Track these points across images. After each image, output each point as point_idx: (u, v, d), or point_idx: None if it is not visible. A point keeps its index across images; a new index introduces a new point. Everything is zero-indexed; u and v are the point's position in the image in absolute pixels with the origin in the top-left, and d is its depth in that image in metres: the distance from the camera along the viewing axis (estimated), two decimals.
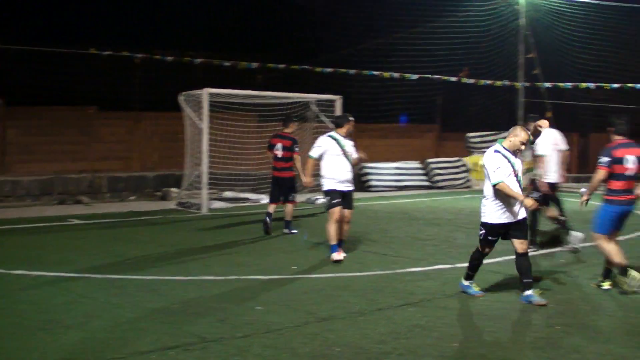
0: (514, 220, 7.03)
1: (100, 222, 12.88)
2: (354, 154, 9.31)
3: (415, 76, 22.22)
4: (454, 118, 28.60)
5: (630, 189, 7.40)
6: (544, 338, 5.83)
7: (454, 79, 23.59)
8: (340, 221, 9.14)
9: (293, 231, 11.42)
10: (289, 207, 11.49)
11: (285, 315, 6.38)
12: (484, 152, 22.87)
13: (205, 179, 14.48)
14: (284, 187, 11.48)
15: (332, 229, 9.09)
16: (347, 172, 9.21)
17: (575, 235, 9.76)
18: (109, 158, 18.78)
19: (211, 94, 14.60)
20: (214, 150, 15.31)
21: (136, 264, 8.86)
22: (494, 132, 22.57)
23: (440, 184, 20.61)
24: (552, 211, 10.09)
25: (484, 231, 7.15)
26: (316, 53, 24.33)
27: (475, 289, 7.37)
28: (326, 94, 16.55)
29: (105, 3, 24.05)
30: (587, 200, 7.53)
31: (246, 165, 16.52)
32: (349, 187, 9.27)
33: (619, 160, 7.34)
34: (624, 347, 5.58)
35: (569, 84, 24.13)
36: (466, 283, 7.41)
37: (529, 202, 6.94)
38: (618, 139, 7.48)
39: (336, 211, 9.06)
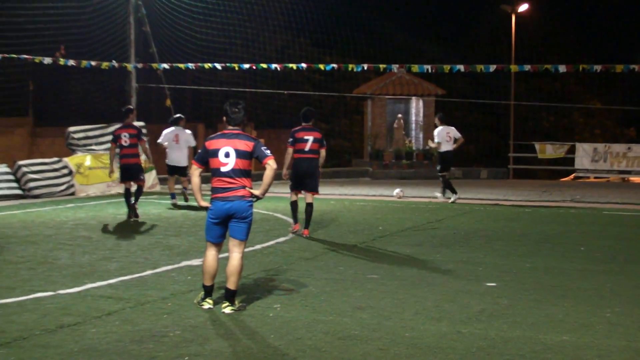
0: None
1: None
2: None
3: None
4: (51, 109, 27.73)
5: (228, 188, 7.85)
6: None
7: (48, 59, 22.86)
8: None
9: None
10: None
11: None
12: (91, 150, 22.85)
13: None
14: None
15: None
16: None
17: None
18: None
19: None
20: None
21: None
22: (102, 125, 22.28)
23: (35, 192, 19.76)
24: None
25: None
26: None
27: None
28: None
29: None
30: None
31: None
32: None
33: (214, 153, 7.81)
34: None
35: (190, 65, 24.99)
36: None
37: None
38: (231, 129, 7.95)
39: None
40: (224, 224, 7.85)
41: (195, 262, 10.16)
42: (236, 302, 7.78)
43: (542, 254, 11.40)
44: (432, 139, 19.51)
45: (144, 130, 22.99)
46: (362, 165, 31.97)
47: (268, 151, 7.91)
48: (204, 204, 8.01)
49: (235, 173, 7.76)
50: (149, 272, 9.77)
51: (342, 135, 39.51)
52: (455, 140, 19.00)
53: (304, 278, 9.36)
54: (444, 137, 18.84)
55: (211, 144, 7.89)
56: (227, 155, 7.77)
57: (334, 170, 30.69)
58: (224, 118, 8.06)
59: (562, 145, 30.54)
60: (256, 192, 7.84)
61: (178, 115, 18.67)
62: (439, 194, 19.52)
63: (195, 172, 8.03)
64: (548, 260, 10.90)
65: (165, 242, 12.26)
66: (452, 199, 18.86)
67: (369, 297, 8.35)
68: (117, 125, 16.07)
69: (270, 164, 7.82)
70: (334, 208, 17.77)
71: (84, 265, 10.17)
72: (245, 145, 7.81)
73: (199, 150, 8.12)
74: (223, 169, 7.77)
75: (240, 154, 7.77)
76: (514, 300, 8.29)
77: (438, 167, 19.39)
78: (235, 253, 7.82)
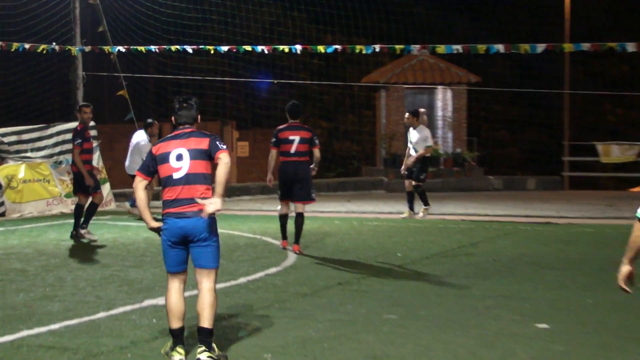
0: None
1: None
2: None
3: None
4: None
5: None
6: None
7: None
8: None
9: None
10: None
11: None
12: (26, 158, 22.98)
13: None
14: None
15: None
16: None
17: None
18: None
19: None
20: None
21: None
22: (40, 126, 22.28)
23: None
24: None
25: None
26: None
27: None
28: None
29: None
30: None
31: None
32: None
33: (164, 158, 7.86)
34: None
35: (153, 47, 25.04)
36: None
37: None
38: (182, 128, 8.03)
39: None
40: (184, 246, 7.85)
41: (162, 300, 10.11)
42: (216, 349, 7.76)
43: (607, 286, 11.35)
44: (418, 143, 19.64)
45: (92, 132, 23.14)
46: (374, 174, 31.99)
47: (223, 145, 7.90)
48: (155, 224, 7.94)
49: (190, 179, 7.77)
50: (102, 314, 9.76)
51: (348, 136, 39.49)
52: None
53: (302, 319, 9.37)
54: (430, 138, 20.22)
55: (159, 148, 7.92)
56: (179, 158, 7.80)
57: (339, 181, 30.71)
58: (172, 118, 8.10)
59: (632, 145, 30.56)
60: (208, 201, 7.64)
61: (150, 120, 20.18)
62: (421, 210, 19.86)
63: (140, 184, 7.99)
64: (615, 293, 10.85)
65: (122, 276, 12.25)
66: (413, 213, 19.87)
67: (385, 344, 8.35)
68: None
69: (223, 158, 7.74)
70: (340, 229, 17.78)
71: (18, 307, 10.15)
72: (201, 142, 7.84)
73: (143, 158, 8.08)
74: (176, 176, 7.79)
75: (195, 154, 7.79)
76: (572, 345, 8.30)
77: (422, 176, 19.53)
78: (205, 284, 7.78)
